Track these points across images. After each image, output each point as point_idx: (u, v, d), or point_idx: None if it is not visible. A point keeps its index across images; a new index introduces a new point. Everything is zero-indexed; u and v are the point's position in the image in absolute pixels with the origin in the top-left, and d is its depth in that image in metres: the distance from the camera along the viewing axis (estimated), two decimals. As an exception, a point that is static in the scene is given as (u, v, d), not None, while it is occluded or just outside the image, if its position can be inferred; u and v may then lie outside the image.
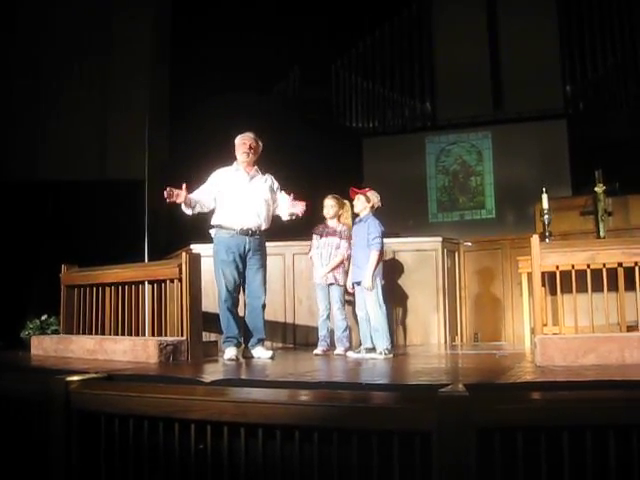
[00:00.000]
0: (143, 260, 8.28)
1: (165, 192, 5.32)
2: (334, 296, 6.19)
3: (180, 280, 5.46)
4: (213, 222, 5.65)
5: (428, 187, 13.15)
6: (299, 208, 5.57)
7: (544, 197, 6.81)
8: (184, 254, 5.54)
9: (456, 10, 12.96)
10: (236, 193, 5.58)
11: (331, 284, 6.18)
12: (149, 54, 9.96)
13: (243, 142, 5.67)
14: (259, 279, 5.62)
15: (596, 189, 7.02)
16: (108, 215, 9.01)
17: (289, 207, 5.63)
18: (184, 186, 5.37)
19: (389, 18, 13.43)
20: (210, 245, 6.02)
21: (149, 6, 10.04)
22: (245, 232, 5.53)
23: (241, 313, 5.76)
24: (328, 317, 6.20)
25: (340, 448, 2.98)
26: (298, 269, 7.26)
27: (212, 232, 5.67)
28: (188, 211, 5.54)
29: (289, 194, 5.67)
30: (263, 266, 5.66)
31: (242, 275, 5.61)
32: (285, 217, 5.77)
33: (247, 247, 5.54)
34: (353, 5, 12.32)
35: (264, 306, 5.67)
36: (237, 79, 11.03)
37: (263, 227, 5.64)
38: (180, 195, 5.37)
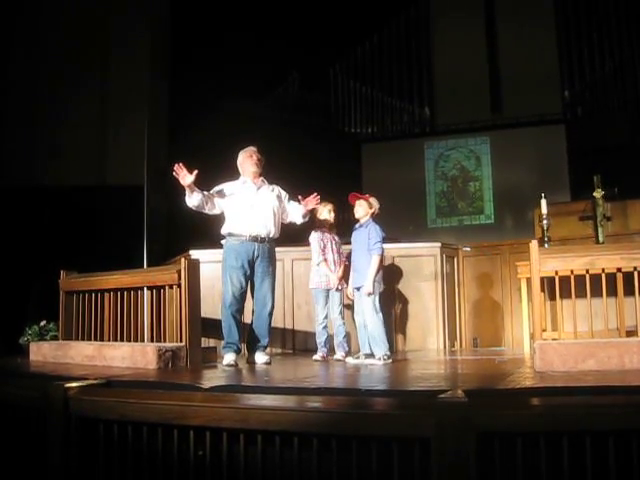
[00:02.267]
0: (142, 266, 8.28)
1: (175, 165, 5.32)
2: (336, 301, 6.17)
3: (179, 286, 5.46)
4: (223, 231, 5.68)
5: (427, 192, 13.15)
6: (313, 202, 5.68)
7: (543, 202, 6.81)
8: (183, 260, 5.54)
9: (454, 15, 12.99)
10: (244, 202, 5.63)
11: (337, 289, 6.16)
12: (148, 60, 9.97)
13: (249, 155, 5.76)
14: (266, 286, 5.64)
15: (595, 194, 7.02)
16: (107, 221, 9.01)
17: (304, 206, 5.71)
18: (195, 172, 5.34)
19: (387, 23, 13.46)
20: (209, 251, 6.02)
21: (148, 13, 10.05)
22: (254, 239, 5.56)
23: (247, 320, 5.77)
24: (327, 325, 6.17)
25: (339, 454, 2.98)
26: (297, 274, 7.26)
27: (223, 242, 5.71)
28: (190, 199, 5.49)
29: (297, 200, 5.75)
30: (271, 274, 5.69)
31: (249, 282, 5.63)
32: (300, 220, 5.88)
33: (256, 253, 5.56)
34: (351, 10, 12.33)
35: (271, 313, 5.69)
36: (236, 85, 11.05)
37: (272, 235, 5.68)
38: (187, 177, 5.34)
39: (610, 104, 11.91)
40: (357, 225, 5.83)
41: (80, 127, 9.64)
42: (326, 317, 6.16)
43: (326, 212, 6.21)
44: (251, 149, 5.83)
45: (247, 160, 5.76)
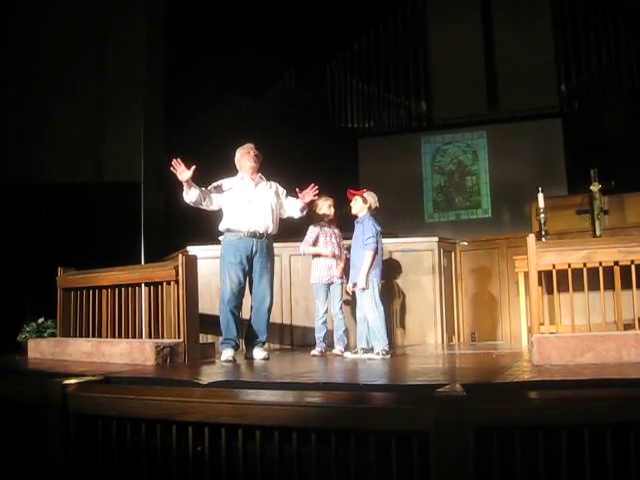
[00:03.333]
0: (139, 262, 8.27)
1: (173, 160, 5.35)
2: (336, 295, 6.17)
3: (177, 282, 5.46)
4: (221, 227, 5.69)
5: (424, 187, 13.14)
6: (311, 195, 5.69)
7: (540, 196, 6.82)
8: (180, 256, 5.54)
9: (450, 9, 12.95)
10: (242, 198, 5.64)
11: (336, 283, 6.15)
12: (144, 57, 9.95)
13: (247, 151, 5.77)
14: (265, 282, 5.65)
15: (592, 188, 7.04)
16: (104, 218, 9.00)
17: (301, 199, 5.71)
18: (193, 167, 5.36)
19: (384, 18, 13.42)
20: (206, 247, 5.99)
21: (144, 9, 10.03)
22: (252, 234, 5.57)
23: (245, 316, 5.78)
24: (326, 320, 6.17)
25: (338, 449, 2.98)
26: (295, 270, 7.26)
27: (221, 238, 5.71)
28: (188, 195, 5.50)
29: (295, 192, 5.75)
30: (269, 269, 5.70)
31: (247, 278, 5.64)
32: (298, 215, 5.90)
33: (254, 249, 5.57)
34: (348, 5, 12.30)
35: (269, 309, 5.71)
36: (232, 81, 11.03)
37: (270, 231, 5.69)
38: (185, 173, 5.35)
39: (607, 98, 11.89)
40: (355, 221, 5.85)
41: (76, 124, 9.61)
42: (326, 312, 6.16)
43: (326, 207, 6.21)
44: (248, 145, 5.83)
45: (244, 156, 5.76)
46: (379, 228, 5.68)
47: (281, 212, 5.87)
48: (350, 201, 5.86)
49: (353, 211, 5.85)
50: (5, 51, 9.33)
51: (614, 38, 11.88)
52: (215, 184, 5.73)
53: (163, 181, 9.27)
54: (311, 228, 6.24)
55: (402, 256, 7.40)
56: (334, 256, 6.17)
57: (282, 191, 5.90)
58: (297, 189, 5.71)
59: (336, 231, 6.29)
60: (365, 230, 5.61)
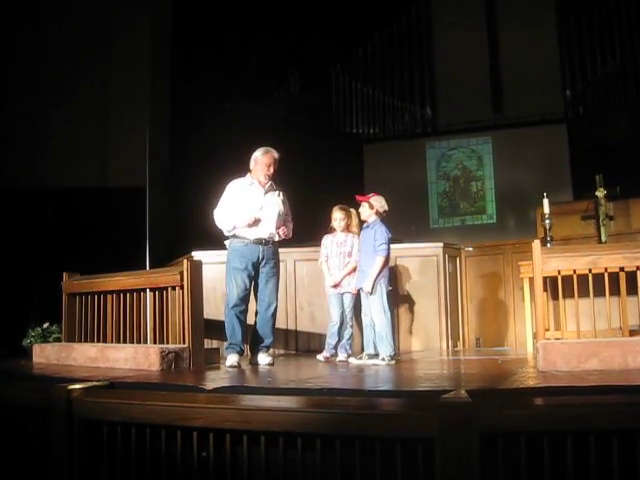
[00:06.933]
0: (144, 268, 8.28)
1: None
2: (347, 303, 6.15)
3: (182, 287, 5.45)
4: (227, 233, 5.67)
5: (429, 193, 13.15)
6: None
7: (545, 202, 6.82)
8: (186, 261, 5.54)
9: (456, 15, 12.98)
10: (252, 205, 5.62)
11: (345, 292, 6.13)
12: (149, 61, 9.97)
13: (267, 164, 5.68)
14: (271, 287, 5.67)
15: (597, 193, 7.04)
16: (109, 223, 9.00)
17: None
18: None
19: (389, 23, 13.45)
20: (212, 252, 5.98)
21: (149, 13, 10.05)
22: (258, 241, 5.59)
23: (250, 321, 5.78)
24: (340, 326, 6.15)
25: (343, 455, 2.97)
26: (300, 275, 7.26)
27: (227, 243, 5.71)
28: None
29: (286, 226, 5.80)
30: (275, 275, 5.72)
31: (253, 283, 5.65)
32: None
33: (260, 256, 5.59)
34: (353, 10, 12.32)
35: (274, 314, 5.72)
36: (237, 85, 11.04)
37: (276, 238, 5.70)
38: None
39: (612, 103, 11.89)
40: (365, 225, 5.84)
41: (82, 129, 9.62)
42: (341, 321, 6.12)
43: (332, 218, 6.22)
44: (274, 157, 5.70)
45: (263, 168, 5.67)
46: (390, 235, 5.68)
47: (286, 220, 5.84)
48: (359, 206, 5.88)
49: (362, 217, 5.85)
50: (11, 55, 9.35)
51: (619, 43, 11.88)
52: (231, 193, 5.72)
53: (168, 186, 9.30)
54: (322, 242, 6.30)
55: (407, 262, 7.39)
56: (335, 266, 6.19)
57: (285, 200, 5.88)
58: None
59: (347, 239, 6.24)
60: (377, 236, 5.61)
